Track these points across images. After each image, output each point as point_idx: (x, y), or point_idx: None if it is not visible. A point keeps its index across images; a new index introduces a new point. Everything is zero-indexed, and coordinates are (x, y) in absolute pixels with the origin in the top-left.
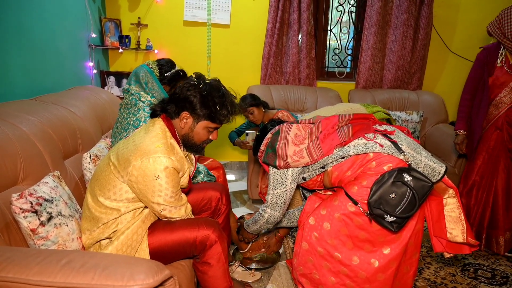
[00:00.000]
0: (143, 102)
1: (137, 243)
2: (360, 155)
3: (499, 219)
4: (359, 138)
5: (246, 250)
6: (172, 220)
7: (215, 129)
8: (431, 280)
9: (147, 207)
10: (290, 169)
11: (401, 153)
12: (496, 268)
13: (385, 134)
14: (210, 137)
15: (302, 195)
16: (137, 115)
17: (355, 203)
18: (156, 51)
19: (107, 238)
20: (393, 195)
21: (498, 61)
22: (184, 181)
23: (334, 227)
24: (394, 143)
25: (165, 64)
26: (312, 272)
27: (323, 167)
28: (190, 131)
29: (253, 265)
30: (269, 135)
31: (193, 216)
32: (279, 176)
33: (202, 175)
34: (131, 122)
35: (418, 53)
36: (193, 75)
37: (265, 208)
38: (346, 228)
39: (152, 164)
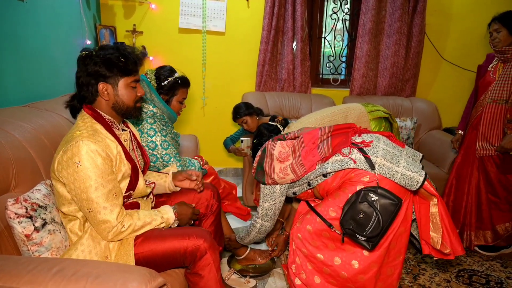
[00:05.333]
0: (145, 113)
1: None
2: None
3: (472, 216)
4: (336, 154)
5: (242, 257)
6: (102, 226)
7: (135, 82)
8: (426, 286)
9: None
10: (278, 185)
11: (372, 170)
12: (490, 274)
13: (361, 149)
14: (138, 93)
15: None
16: (139, 126)
17: (330, 226)
18: (151, 58)
19: None
20: (362, 215)
21: (490, 66)
22: (123, 163)
23: (316, 230)
24: (368, 158)
25: (163, 73)
26: (300, 272)
27: (309, 184)
28: (116, 97)
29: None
30: (259, 153)
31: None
32: (268, 191)
33: (196, 168)
34: None
35: (411, 60)
36: (81, 53)
37: (256, 219)
38: (327, 231)
39: (71, 151)
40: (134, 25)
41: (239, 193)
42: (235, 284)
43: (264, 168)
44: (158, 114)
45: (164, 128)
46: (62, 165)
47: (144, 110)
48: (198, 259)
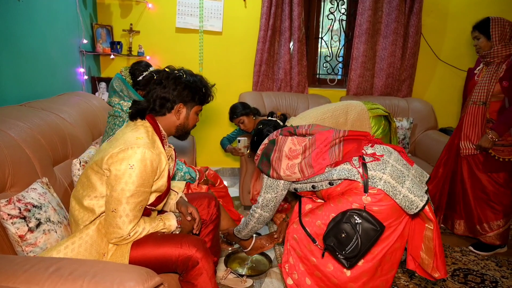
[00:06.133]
0: (125, 112)
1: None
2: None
3: (456, 205)
4: (346, 163)
5: (249, 249)
6: (113, 229)
7: (200, 111)
8: (421, 285)
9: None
10: (282, 180)
11: (365, 192)
12: (485, 273)
13: (365, 164)
14: (197, 120)
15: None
16: (122, 126)
17: (314, 241)
18: (148, 57)
19: None
20: (344, 235)
21: (477, 69)
22: (163, 180)
23: (313, 233)
24: (367, 179)
25: (137, 69)
26: (292, 272)
27: (313, 187)
28: (186, 119)
29: (245, 272)
30: (266, 141)
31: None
32: (272, 183)
33: (182, 172)
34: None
35: (407, 61)
36: (166, 69)
37: (255, 208)
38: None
39: (130, 153)
40: (131, 24)
41: (236, 193)
42: (232, 283)
43: (271, 161)
44: None
45: None
46: (113, 159)
47: (124, 109)
48: (190, 268)
